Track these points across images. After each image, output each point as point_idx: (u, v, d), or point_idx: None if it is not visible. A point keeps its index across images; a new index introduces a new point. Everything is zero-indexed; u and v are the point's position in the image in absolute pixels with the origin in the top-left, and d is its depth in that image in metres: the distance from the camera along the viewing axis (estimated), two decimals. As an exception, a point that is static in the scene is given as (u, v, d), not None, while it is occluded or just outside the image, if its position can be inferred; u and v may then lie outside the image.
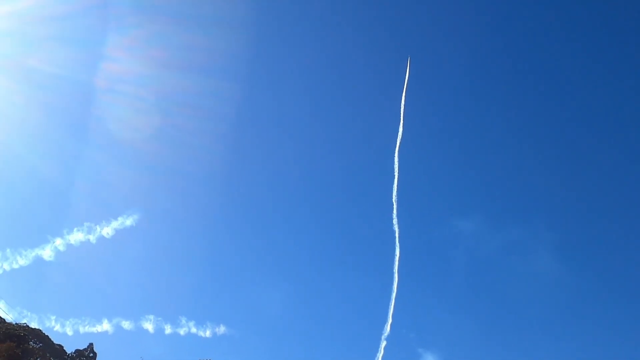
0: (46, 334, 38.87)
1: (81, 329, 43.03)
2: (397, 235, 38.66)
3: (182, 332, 45.30)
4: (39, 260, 43.08)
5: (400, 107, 36.98)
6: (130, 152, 55.43)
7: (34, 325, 39.89)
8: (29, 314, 41.24)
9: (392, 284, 38.16)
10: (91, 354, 39.30)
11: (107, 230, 44.85)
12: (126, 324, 44.86)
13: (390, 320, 38.38)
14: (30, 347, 35.88)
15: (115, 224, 45.14)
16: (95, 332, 43.55)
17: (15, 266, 42.27)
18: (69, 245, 43.84)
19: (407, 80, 36.56)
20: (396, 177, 38.45)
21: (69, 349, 38.86)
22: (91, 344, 40.40)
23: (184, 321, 45.67)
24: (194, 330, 46.05)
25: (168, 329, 45.59)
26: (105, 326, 43.84)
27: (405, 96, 36.54)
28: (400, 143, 37.79)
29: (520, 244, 58.84)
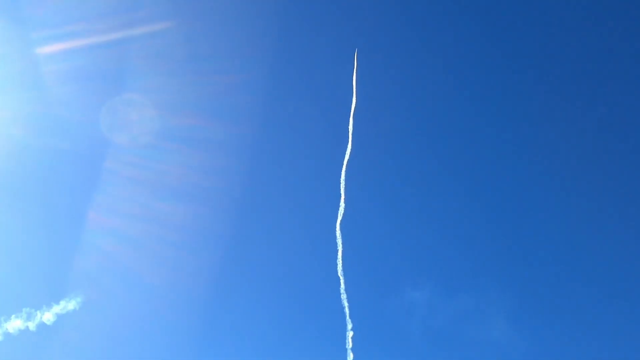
0: None
1: None
2: (347, 310, 38.55)
3: None
4: (-27, 352, 40.75)
5: (340, 179, 38.07)
6: (71, 230, 54.24)
7: None
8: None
9: (346, 361, 37.73)
10: None
11: (48, 316, 43.17)
12: (66, 417, 42.28)
13: (346, 401, 37.54)
14: None
15: (56, 309, 43.53)
16: None
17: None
18: (6, 334, 41.76)
19: (356, 77, 36.04)
20: (340, 250, 38.95)
21: None
22: None
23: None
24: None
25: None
26: (43, 421, 41.18)
27: (347, 162, 37.44)
28: (342, 215, 38.69)
29: (475, 311, 59.88)
